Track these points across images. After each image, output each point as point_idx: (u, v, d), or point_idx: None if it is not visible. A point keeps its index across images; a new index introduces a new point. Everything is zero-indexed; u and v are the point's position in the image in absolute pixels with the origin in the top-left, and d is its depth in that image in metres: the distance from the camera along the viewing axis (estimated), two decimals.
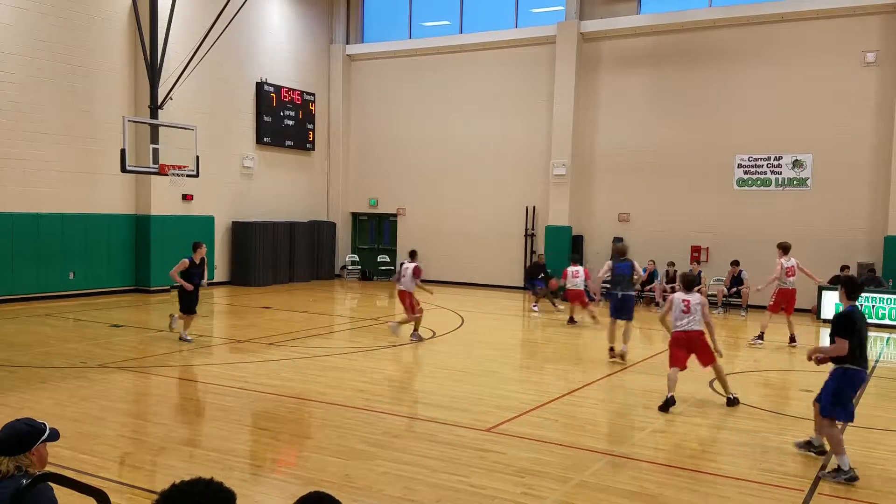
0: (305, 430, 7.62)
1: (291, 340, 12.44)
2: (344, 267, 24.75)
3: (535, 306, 17.78)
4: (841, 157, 17.96)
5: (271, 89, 22.14)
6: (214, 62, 19.19)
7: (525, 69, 21.89)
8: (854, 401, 6.70)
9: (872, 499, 5.94)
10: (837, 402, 6.49)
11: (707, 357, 9.09)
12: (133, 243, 18.74)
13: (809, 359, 6.80)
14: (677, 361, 8.94)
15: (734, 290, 18.03)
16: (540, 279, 18.35)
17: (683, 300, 9.18)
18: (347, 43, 24.64)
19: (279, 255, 21.99)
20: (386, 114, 24.16)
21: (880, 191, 17.54)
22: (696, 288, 9.71)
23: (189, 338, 11.95)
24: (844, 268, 17.18)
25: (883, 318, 15.93)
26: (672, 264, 19.23)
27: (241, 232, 21.12)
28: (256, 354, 11.13)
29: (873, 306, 16.06)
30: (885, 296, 16.05)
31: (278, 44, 22.72)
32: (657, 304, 18.94)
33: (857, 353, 6.44)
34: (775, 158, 18.74)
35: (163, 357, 10.89)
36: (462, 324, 15.05)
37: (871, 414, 8.68)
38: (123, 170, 15.57)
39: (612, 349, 11.73)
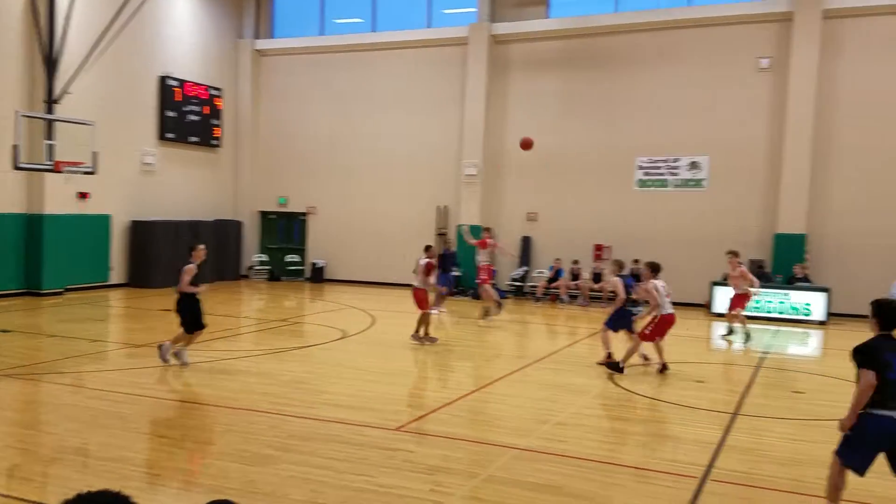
0: (208, 437, 7.41)
1: (194, 344, 12.04)
2: (251, 267, 24.19)
3: (438, 308, 17.08)
4: (735, 159, 18.93)
5: (175, 83, 21.38)
6: (116, 55, 18.36)
7: (437, 69, 22.01)
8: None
9: (764, 483, 6.28)
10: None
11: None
12: (24, 244, 17.69)
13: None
14: (658, 337, 10.40)
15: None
16: (450, 274, 17.89)
17: (663, 285, 10.25)
18: (256, 38, 24.10)
19: (181, 256, 21.08)
20: (297, 111, 23.77)
21: (771, 191, 18.59)
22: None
23: (188, 360, 10.22)
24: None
25: (771, 311, 16.90)
26: (576, 262, 19.80)
27: (141, 231, 20.31)
28: (156, 359, 10.72)
29: (763, 300, 17.04)
30: (775, 290, 17.05)
31: (184, 37, 21.96)
32: (562, 301, 19.47)
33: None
34: (673, 160, 19.58)
35: (54, 363, 10.34)
36: (373, 323, 14.99)
37: (761, 403, 9.20)
38: (15, 167, 14.69)
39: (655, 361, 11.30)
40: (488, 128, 21.30)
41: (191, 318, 10.16)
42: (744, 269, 14.43)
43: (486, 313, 15.38)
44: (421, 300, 12.43)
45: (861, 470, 5.07)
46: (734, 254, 14.34)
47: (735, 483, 6.26)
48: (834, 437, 7.65)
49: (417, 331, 12.47)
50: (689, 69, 19.34)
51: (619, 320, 11.17)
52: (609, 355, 11.07)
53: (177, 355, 10.21)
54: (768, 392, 9.97)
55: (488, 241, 15.77)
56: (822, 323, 16.58)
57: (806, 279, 17.44)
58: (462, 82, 21.49)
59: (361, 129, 22.95)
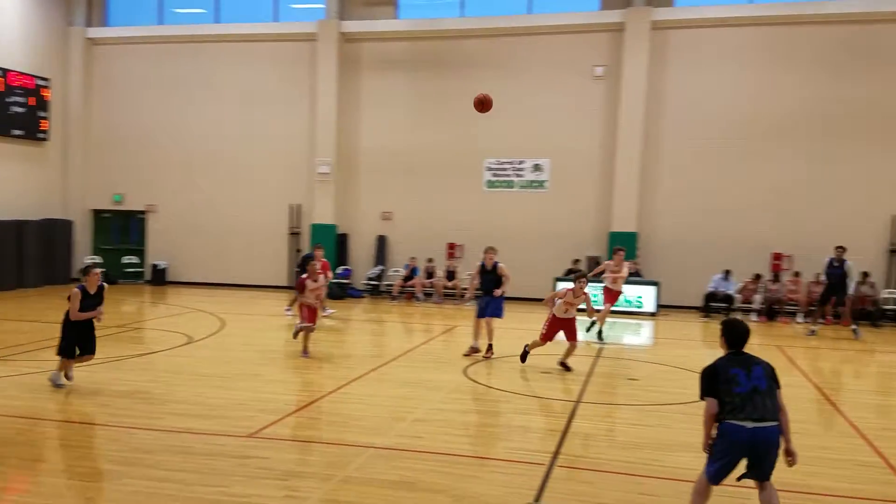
0: (39, 453, 6.83)
1: (19, 354, 11.07)
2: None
3: (288, 309, 16.56)
4: (573, 162, 20.00)
5: None
6: None
7: (286, 65, 21.56)
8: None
9: (605, 467, 6.67)
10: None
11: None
12: None
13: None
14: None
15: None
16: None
17: None
18: (88, 25, 22.46)
19: (4, 258, 19.42)
20: (134, 103, 22.41)
21: (605, 192, 19.81)
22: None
23: (62, 382, 8.97)
24: (576, 261, 19.19)
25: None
26: (431, 260, 20.12)
27: None
28: None
29: (590, 292, 18.13)
30: (598, 283, 18.12)
31: (6, 23, 20.07)
32: (417, 299, 19.71)
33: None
34: (518, 162, 20.40)
35: None
36: (222, 327, 14.45)
37: (601, 391, 9.81)
38: None
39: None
40: (341, 126, 21.14)
41: (68, 343, 8.92)
42: (627, 266, 14.64)
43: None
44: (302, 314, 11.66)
45: (715, 478, 5.04)
46: (622, 250, 14.67)
47: (579, 468, 6.64)
48: (667, 420, 8.31)
49: (304, 348, 11.53)
50: (531, 75, 20.19)
51: (500, 307, 11.66)
52: (474, 347, 11.54)
53: (53, 380, 9.04)
54: (607, 380, 10.64)
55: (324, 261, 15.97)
56: (652, 314, 17.89)
57: (638, 274, 18.75)
58: (313, 79, 21.19)
59: (206, 123, 22.03)
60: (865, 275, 17.49)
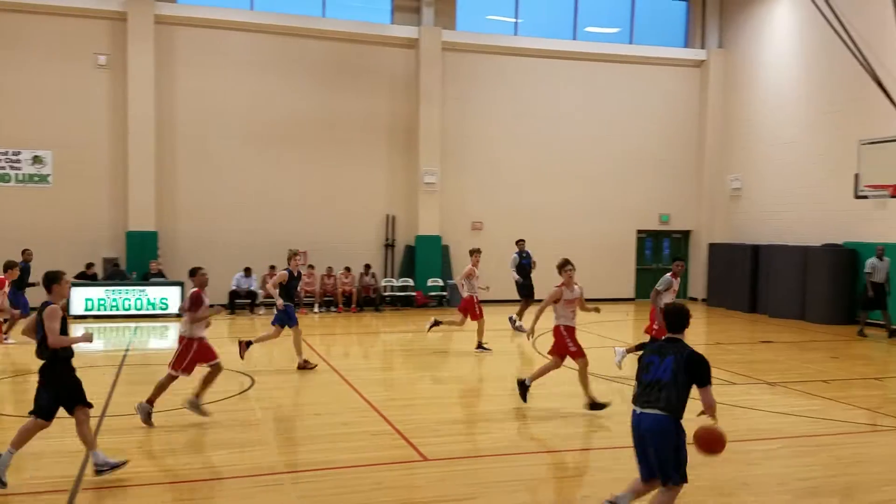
0: None
1: None
2: None
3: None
4: (81, 155, 18.33)
5: None
6: None
7: None
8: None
9: (136, 480, 6.30)
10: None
11: None
12: None
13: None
14: None
15: None
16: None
17: None
18: None
19: None
20: None
21: (119, 187, 18.57)
22: None
23: None
24: (90, 265, 17.63)
25: (129, 308, 17.07)
26: None
27: None
28: None
29: (120, 298, 17.09)
30: (131, 287, 17.24)
31: None
32: None
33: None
34: (13, 153, 17.83)
35: None
36: None
37: (127, 400, 9.22)
38: None
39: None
40: None
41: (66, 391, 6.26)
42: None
43: None
44: None
45: (641, 472, 5.06)
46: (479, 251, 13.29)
47: (108, 487, 6.17)
48: (200, 420, 8.23)
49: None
50: (29, 57, 17.88)
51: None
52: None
53: None
54: (134, 388, 10.03)
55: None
56: (178, 315, 17.49)
57: (161, 275, 18.11)
58: None
59: None
60: (368, 266, 19.94)
